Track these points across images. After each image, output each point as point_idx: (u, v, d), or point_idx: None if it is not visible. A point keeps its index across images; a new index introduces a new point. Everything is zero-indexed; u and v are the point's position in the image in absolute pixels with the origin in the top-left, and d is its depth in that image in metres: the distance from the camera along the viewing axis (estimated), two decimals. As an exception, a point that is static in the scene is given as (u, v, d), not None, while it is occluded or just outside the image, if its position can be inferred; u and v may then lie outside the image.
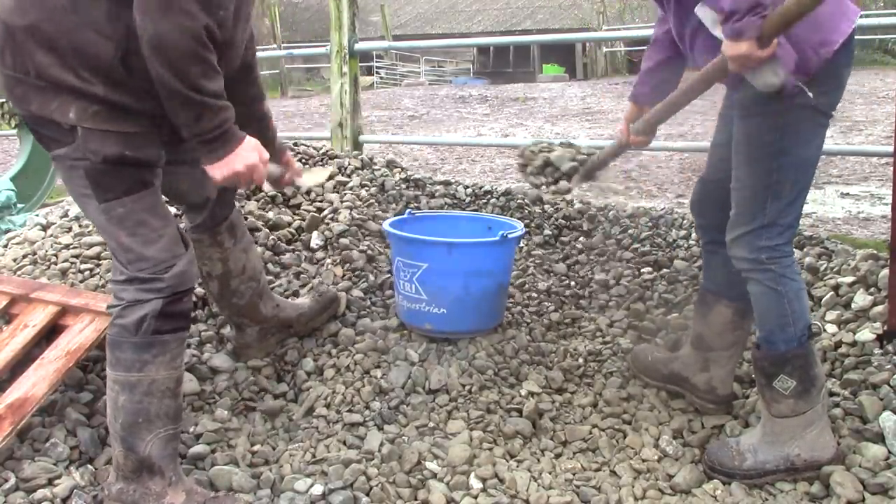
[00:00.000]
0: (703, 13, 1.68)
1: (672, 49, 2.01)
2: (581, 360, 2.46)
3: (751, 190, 1.84)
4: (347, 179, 3.39)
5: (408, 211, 2.82)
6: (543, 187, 2.27)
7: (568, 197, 3.57)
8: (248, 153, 1.68)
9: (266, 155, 1.76)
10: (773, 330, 1.88)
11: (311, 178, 2.53)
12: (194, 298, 2.39)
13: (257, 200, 3.05)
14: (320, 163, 3.48)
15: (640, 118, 2.05)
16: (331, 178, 3.26)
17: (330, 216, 3.05)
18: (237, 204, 2.32)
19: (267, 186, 2.09)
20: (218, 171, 1.67)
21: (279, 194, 3.09)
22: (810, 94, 1.67)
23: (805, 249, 2.91)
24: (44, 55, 1.57)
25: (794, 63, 1.65)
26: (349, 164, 3.52)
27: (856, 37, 1.78)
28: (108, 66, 1.59)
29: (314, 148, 3.63)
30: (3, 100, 4.62)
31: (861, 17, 1.83)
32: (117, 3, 1.56)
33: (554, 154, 2.25)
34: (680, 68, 2.06)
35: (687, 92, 1.85)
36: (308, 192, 3.16)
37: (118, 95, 1.61)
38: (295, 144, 3.60)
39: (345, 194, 3.25)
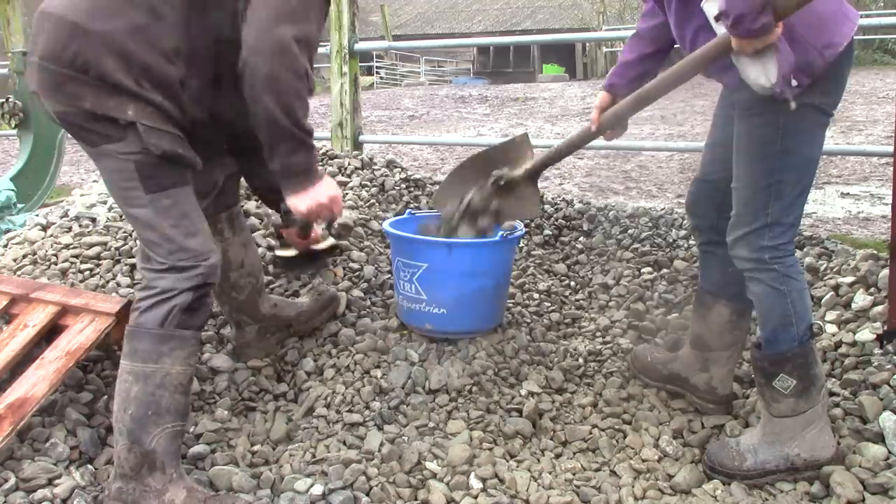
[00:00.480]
0: (710, 8, 1.67)
1: (654, 45, 2.04)
2: (581, 360, 2.46)
3: (752, 189, 1.84)
4: (347, 179, 3.39)
5: (408, 211, 2.82)
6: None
7: (568, 197, 3.57)
8: (329, 186, 1.85)
9: (339, 192, 1.91)
10: (776, 330, 1.88)
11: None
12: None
13: (256, 200, 3.05)
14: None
15: (611, 108, 2.04)
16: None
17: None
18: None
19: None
20: (302, 201, 1.82)
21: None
22: (793, 105, 1.66)
23: (805, 249, 2.92)
24: (112, 61, 1.66)
25: (790, 67, 1.65)
26: (349, 164, 3.52)
27: (855, 37, 1.80)
28: (168, 84, 1.72)
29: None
30: (3, 100, 4.63)
31: (861, 17, 1.83)
32: (188, 40, 1.72)
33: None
34: (659, 64, 2.08)
35: (666, 81, 1.84)
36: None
37: (169, 105, 1.74)
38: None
39: (345, 194, 3.24)
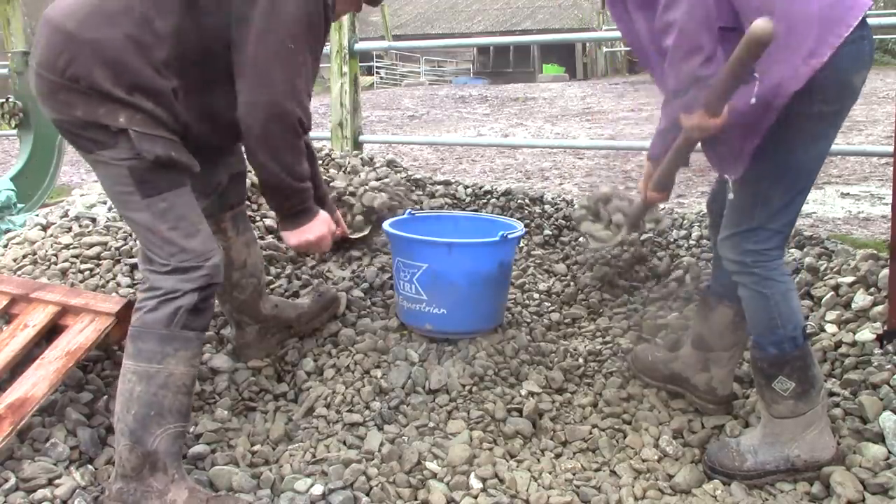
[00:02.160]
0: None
1: None
2: (581, 360, 2.46)
3: (740, 193, 1.85)
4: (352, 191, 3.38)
5: (408, 211, 2.82)
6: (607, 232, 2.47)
7: (568, 197, 3.57)
8: (320, 226, 1.97)
9: (334, 227, 2.06)
10: (763, 332, 1.89)
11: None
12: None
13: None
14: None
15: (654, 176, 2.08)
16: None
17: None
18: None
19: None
20: (293, 237, 1.96)
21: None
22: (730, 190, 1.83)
23: (805, 249, 2.92)
24: (101, 70, 1.67)
25: (755, 95, 1.68)
26: (349, 165, 3.51)
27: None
28: (159, 92, 1.73)
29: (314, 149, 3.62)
30: (3, 100, 4.63)
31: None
32: (179, 50, 1.72)
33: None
34: None
35: (674, 159, 1.93)
36: None
37: (161, 111, 1.74)
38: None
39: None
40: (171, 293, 1.76)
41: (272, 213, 2.88)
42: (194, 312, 1.78)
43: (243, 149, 1.87)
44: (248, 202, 2.97)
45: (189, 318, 1.78)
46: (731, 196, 1.87)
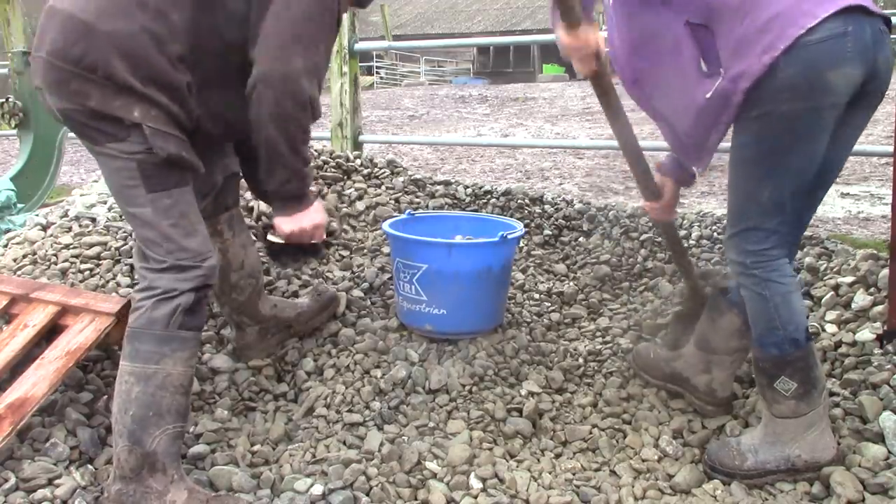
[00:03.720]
0: None
1: None
2: (581, 360, 2.46)
3: (735, 194, 1.87)
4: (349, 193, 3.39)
5: (408, 211, 2.82)
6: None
7: (568, 198, 3.57)
8: (315, 214, 1.94)
9: (327, 218, 2.03)
10: (763, 333, 1.89)
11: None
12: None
13: (256, 198, 3.05)
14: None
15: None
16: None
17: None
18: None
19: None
20: (287, 224, 1.92)
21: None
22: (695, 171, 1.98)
23: (805, 249, 2.91)
24: (120, 61, 1.67)
25: (713, 90, 1.73)
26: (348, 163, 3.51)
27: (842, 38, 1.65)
28: (175, 87, 1.73)
29: (315, 150, 3.62)
30: (3, 100, 4.62)
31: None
32: (194, 44, 1.72)
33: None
34: None
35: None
36: None
37: (176, 107, 1.74)
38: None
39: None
40: (168, 292, 1.76)
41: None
42: (190, 312, 1.78)
43: (251, 122, 1.81)
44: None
45: (186, 318, 1.78)
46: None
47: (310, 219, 1.93)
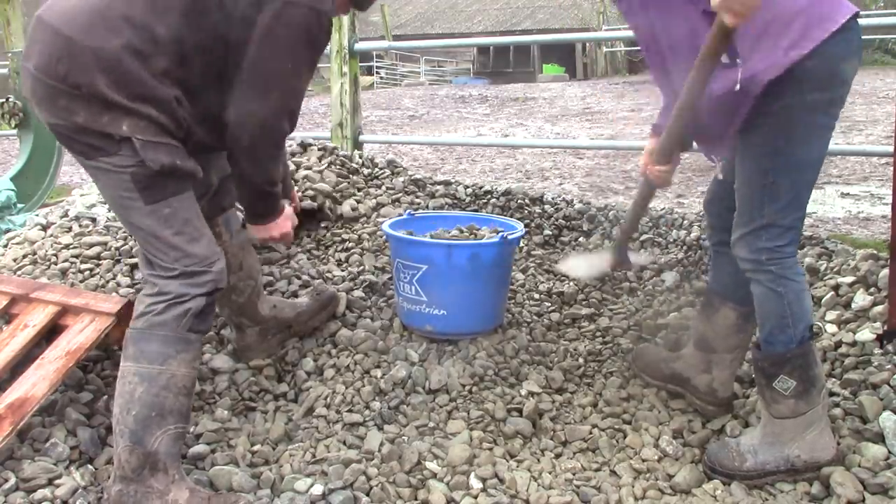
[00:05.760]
0: None
1: None
2: (581, 360, 2.46)
3: (749, 190, 1.84)
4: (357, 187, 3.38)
5: (408, 211, 2.82)
6: None
7: (568, 198, 3.57)
8: (283, 222, 2.05)
9: (296, 221, 2.15)
10: (773, 331, 1.88)
11: None
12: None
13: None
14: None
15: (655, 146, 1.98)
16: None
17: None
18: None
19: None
20: (257, 231, 2.05)
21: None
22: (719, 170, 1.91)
23: (805, 249, 2.91)
24: (104, 78, 1.65)
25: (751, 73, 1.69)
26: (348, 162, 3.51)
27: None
28: (162, 101, 1.72)
29: (321, 149, 3.62)
30: (3, 100, 4.62)
31: (861, 17, 1.81)
32: (181, 57, 1.72)
33: None
34: None
35: (688, 90, 1.76)
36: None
37: (165, 118, 1.74)
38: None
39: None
40: (180, 297, 1.77)
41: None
42: (200, 316, 1.80)
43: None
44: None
45: (195, 322, 1.79)
46: (720, 176, 1.96)
47: (279, 228, 2.04)
